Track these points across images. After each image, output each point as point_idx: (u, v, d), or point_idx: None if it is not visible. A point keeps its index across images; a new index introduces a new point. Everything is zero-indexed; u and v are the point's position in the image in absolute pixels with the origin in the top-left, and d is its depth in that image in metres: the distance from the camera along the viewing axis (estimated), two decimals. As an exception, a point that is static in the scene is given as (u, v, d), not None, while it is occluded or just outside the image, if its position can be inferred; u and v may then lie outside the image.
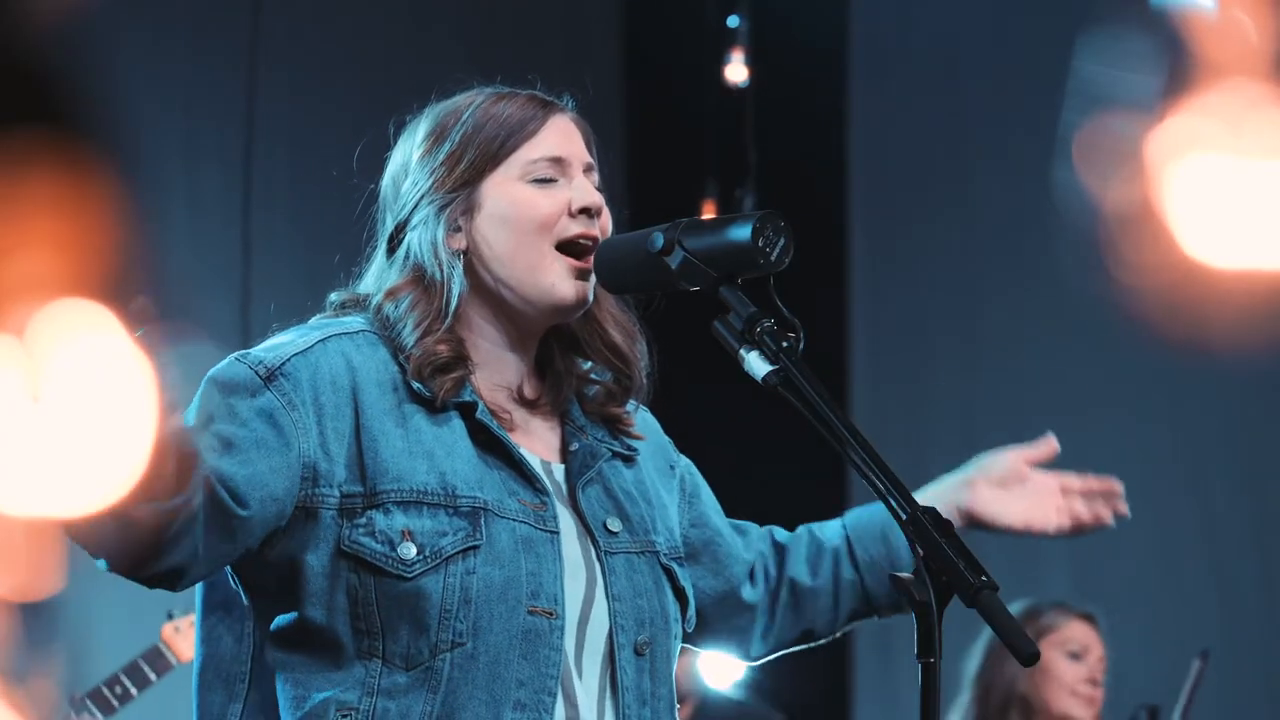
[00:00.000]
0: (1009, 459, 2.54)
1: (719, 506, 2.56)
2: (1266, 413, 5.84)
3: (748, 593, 2.51)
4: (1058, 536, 2.56)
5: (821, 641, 2.58)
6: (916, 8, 6.41)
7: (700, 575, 2.47)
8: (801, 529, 2.58)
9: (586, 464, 2.34)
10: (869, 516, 2.55)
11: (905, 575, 2.05)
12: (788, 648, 2.58)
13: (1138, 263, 4.53)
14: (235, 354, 2.24)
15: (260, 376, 2.20)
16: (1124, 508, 2.55)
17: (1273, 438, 5.86)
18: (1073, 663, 4.58)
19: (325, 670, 2.19)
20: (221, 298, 5.43)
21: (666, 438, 2.53)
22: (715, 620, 2.51)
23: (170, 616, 4.35)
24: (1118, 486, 2.56)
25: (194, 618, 4.34)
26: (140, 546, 2.06)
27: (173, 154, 5.47)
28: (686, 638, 2.44)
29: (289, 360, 2.21)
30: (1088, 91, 4.60)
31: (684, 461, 2.54)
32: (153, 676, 4.30)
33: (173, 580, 2.13)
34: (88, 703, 4.25)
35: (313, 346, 2.24)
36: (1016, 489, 2.54)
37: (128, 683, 4.26)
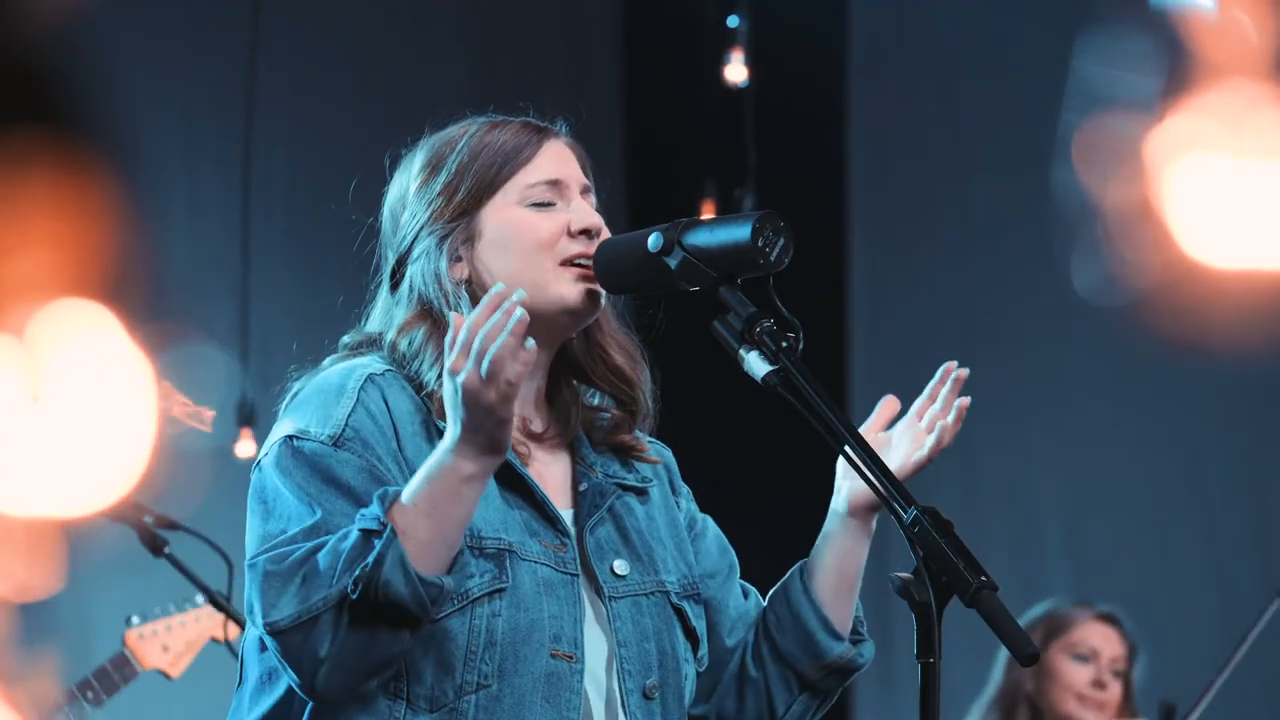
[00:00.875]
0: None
1: (724, 543, 2.50)
2: (1266, 413, 5.83)
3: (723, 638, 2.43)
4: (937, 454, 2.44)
5: None
6: (916, 8, 6.40)
7: None
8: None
9: (595, 504, 2.32)
10: (773, 598, 2.46)
11: (905, 575, 2.05)
12: None
13: (1138, 263, 4.52)
14: (290, 435, 2.21)
15: (330, 443, 2.19)
16: (959, 370, 2.50)
17: (1273, 438, 5.85)
18: (1079, 665, 4.54)
19: (350, 711, 2.17)
20: (221, 298, 5.42)
21: (675, 468, 2.50)
22: None
23: (129, 623, 4.31)
24: (953, 367, 2.50)
25: (155, 625, 4.39)
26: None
27: (173, 154, 5.46)
28: None
29: (346, 424, 2.20)
30: (1088, 91, 4.60)
31: (688, 494, 2.50)
32: (120, 682, 4.28)
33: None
34: (64, 706, 4.23)
35: (357, 402, 2.22)
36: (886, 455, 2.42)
37: (98, 687, 4.25)
